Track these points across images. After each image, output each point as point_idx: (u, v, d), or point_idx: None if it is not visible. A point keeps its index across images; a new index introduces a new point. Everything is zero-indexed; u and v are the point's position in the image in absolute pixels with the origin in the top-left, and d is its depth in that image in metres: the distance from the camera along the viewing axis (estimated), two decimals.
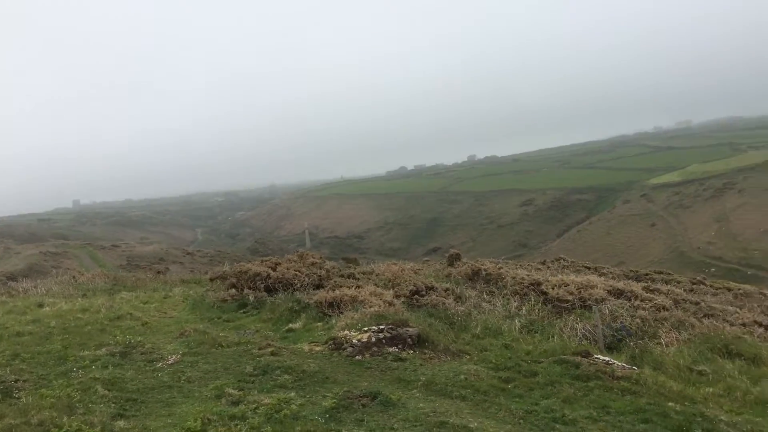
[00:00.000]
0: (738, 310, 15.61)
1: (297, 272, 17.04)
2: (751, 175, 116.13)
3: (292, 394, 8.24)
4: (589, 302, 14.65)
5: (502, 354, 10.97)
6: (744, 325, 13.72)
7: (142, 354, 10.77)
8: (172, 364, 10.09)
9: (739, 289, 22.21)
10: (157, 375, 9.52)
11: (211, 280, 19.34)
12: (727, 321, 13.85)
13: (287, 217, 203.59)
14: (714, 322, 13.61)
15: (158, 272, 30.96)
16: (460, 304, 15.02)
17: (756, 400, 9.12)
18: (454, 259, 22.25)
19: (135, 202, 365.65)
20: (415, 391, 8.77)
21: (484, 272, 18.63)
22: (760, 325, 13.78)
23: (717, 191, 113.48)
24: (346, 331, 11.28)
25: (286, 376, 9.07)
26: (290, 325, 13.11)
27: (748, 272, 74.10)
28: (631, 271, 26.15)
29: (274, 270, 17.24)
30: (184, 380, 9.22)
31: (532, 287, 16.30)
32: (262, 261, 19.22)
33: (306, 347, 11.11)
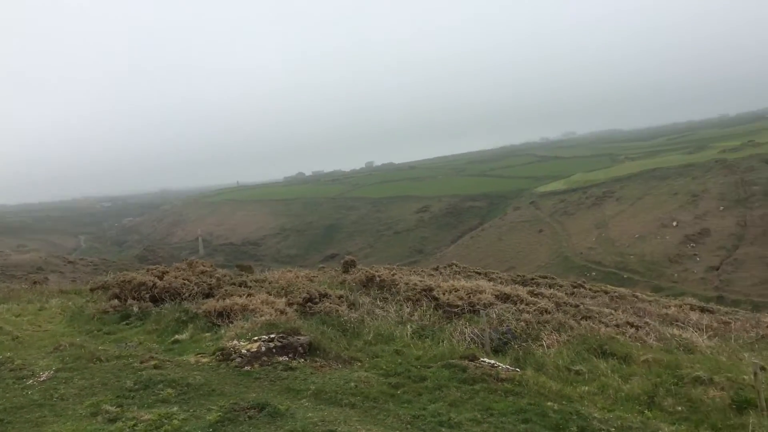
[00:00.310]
0: (613, 311, 16.60)
1: (186, 281, 16.48)
2: (627, 184, 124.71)
3: (175, 408, 7.92)
4: (478, 307, 15.13)
5: (393, 360, 11.08)
6: (617, 326, 14.60)
7: (10, 371, 10.01)
8: (44, 380, 9.43)
9: (615, 292, 23.69)
10: (27, 393, 8.88)
11: (92, 290, 18.35)
12: (603, 322, 14.69)
13: (179, 223, 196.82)
14: (591, 323, 14.41)
15: (35, 282, 28.96)
16: (353, 311, 15.05)
17: (626, 396, 9.72)
18: (349, 266, 22.31)
19: (10, 207, 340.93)
20: (304, 400, 8.68)
21: (378, 278, 18.78)
22: (632, 325, 14.72)
23: (598, 199, 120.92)
24: (235, 341, 11.00)
25: (170, 390, 8.72)
26: (176, 336, 12.64)
27: (624, 276, 79.37)
28: (518, 275, 27.26)
29: (161, 279, 16.58)
30: (56, 398, 8.64)
31: (424, 293, 16.61)
32: (148, 270, 18.44)
33: (192, 359, 10.74)
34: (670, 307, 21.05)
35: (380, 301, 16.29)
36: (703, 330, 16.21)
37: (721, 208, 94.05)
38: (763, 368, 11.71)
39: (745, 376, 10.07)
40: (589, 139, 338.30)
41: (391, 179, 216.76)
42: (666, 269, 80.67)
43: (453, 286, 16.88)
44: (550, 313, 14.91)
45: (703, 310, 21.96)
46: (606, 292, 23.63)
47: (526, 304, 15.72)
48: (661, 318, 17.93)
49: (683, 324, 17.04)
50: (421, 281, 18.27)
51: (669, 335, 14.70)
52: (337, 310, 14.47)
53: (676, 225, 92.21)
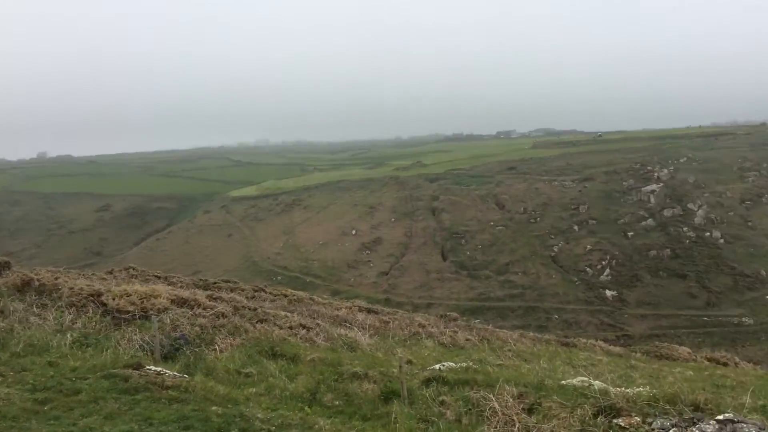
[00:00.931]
0: (288, 314, 17.28)
1: None
2: (315, 193, 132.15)
3: None
4: (152, 312, 14.41)
5: (44, 373, 9.91)
6: (291, 328, 15.24)
7: None
8: None
9: (294, 296, 24.74)
10: None
11: None
12: (278, 325, 15.20)
13: None
14: (266, 326, 14.79)
15: None
16: (1, 319, 13.11)
17: (291, 395, 10.14)
18: (2, 268, 19.40)
19: None
20: None
21: (37, 282, 16.65)
22: (304, 327, 15.50)
23: (287, 206, 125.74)
24: None
25: None
26: None
27: (308, 280, 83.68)
28: (201, 280, 26.76)
29: None
30: None
31: (92, 298, 15.24)
32: None
33: None
34: (341, 308, 22.72)
35: (37, 308, 14.46)
36: (366, 329, 17.84)
37: (393, 219, 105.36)
38: (410, 362, 13.32)
39: (394, 369, 11.28)
40: (282, 148, 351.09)
41: (67, 173, 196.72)
42: (344, 274, 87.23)
43: (125, 290, 15.78)
44: (226, 317, 14.90)
45: (369, 311, 24.20)
46: (285, 296, 24.53)
47: (204, 309, 15.47)
48: (333, 319, 19.25)
49: (350, 324, 18.54)
50: (89, 285, 16.70)
51: (336, 335, 15.85)
52: None
53: (355, 233, 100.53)
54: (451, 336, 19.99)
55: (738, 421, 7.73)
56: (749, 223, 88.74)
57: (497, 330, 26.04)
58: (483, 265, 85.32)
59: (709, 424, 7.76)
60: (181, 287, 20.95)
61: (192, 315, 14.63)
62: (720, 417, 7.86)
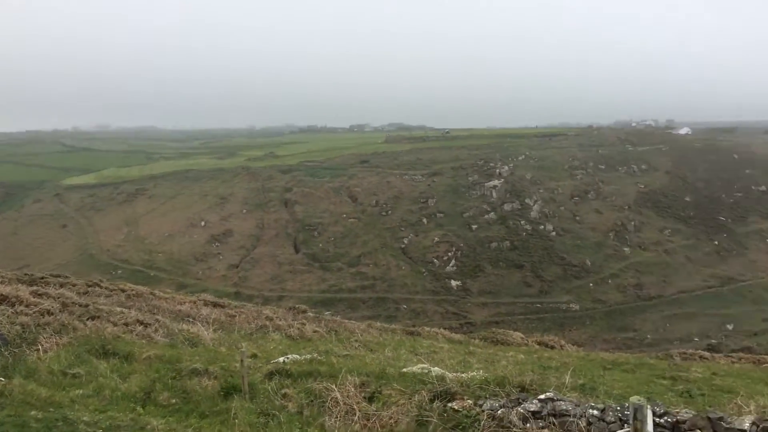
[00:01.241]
0: (125, 310, 16.29)
1: None
2: (161, 182, 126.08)
3: None
4: None
5: None
6: (127, 324, 14.38)
7: None
8: None
9: (132, 290, 23.37)
10: None
11: None
12: (112, 321, 14.28)
13: None
14: (98, 323, 13.85)
15: None
16: None
17: (123, 395, 9.56)
18: None
19: None
20: None
21: None
22: (142, 323, 14.69)
23: (130, 196, 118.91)
24: None
25: None
26: None
27: (152, 273, 79.76)
28: (26, 274, 24.49)
29: None
30: None
31: None
32: None
33: None
34: (185, 303, 21.83)
35: None
36: (210, 324, 17.25)
37: (244, 211, 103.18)
38: (254, 355, 13.06)
39: (237, 364, 11.01)
40: (124, 134, 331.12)
41: None
42: (192, 267, 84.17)
43: None
44: (53, 314, 13.78)
45: (215, 305, 23.48)
46: (123, 291, 23.12)
47: (27, 306, 14.21)
48: (174, 314, 18.44)
49: (194, 319, 17.85)
50: None
51: (177, 330, 15.17)
52: None
53: (204, 225, 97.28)
54: (299, 328, 19.89)
55: (557, 399, 8.42)
56: (577, 218, 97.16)
57: (346, 321, 26.35)
58: (335, 257, 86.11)
59: (533, 403, 8.38)
60: (1, 282, 19.11)
61: (12, 313, 13.37)
62: (542, 396, 8.52)
